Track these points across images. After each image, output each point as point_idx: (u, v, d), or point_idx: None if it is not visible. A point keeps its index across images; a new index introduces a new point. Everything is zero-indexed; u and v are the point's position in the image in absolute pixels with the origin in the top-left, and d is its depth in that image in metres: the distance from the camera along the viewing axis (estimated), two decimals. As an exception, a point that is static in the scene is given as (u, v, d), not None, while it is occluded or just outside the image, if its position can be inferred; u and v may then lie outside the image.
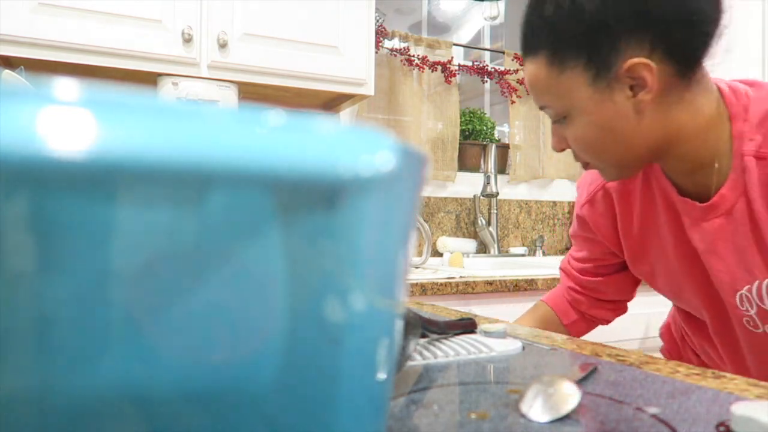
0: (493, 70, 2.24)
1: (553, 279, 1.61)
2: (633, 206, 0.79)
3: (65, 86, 0.14)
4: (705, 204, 0.68)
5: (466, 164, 2.20)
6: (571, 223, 2.43)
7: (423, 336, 0.54)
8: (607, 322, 0.99)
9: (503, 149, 2.24)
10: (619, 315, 0.99)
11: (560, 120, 0.68)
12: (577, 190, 0.89)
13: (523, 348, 0.54)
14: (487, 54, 2.35)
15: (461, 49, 2.33)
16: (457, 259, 1.86)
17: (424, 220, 2.03)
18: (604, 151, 0.66)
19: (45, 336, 0.15)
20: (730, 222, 0.68)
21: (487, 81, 2.27)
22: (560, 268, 1.03)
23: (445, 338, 0.55)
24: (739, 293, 0.70)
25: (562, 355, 0.52)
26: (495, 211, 2.16)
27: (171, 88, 1.51)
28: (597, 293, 0.95)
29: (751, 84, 0.67)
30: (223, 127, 0.16)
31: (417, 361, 0.48)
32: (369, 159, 0.17)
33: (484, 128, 2.22)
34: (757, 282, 0.68)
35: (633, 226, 0.81)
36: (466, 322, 0.57)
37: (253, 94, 1.73)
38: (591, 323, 0.99)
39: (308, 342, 0.19)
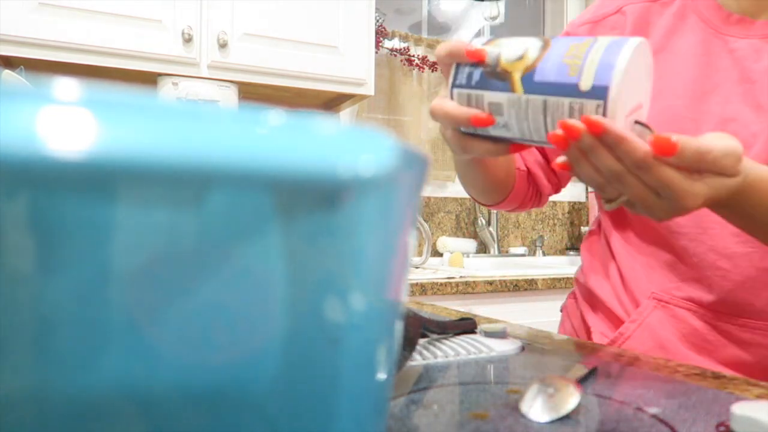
0: (493, 70, 2.24)
1: (553, 279, 1.61)
2: (648, 36, 0.70)
3: (65, 86, 0.14)
4: None
5: (466, 164, 2.19)
6: (571, 222, 2.42)
7: (423, 336, 0.54)
8: (540, 198, 0.81)
9: (503, 149, 2.24)
10: (549, 195, 0.82)
11: None
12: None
13: (523, 348, 0.54)
14: (487, 54, 2.35)
15: (461, 49, 2.33)
16: (457, 259, 1.86)
17: (424, 220, 2.03)
18: None
19: (45, 336, 0.15)
20: None
21: (487, 81, 2.27)
22: None
23: (445, 338, 0.55)
24: None
25: (562, 355, 0.52)
26: (495, 211, 2.16)
27: (171, 88, 1.51)
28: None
29: None
30: (223, 127, 0.16)
31: (417, 361, 0.48)
32: (369, 159, 0.17)
33: (484, 128, 2.21)
34: None
35: None
36: (466, 322, 0.57)
37: (253, 94, 1.73)
38: (530, 185, 0.80)
39: (308, 342, 0.19)
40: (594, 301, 0.76)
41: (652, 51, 0.66)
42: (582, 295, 0.81)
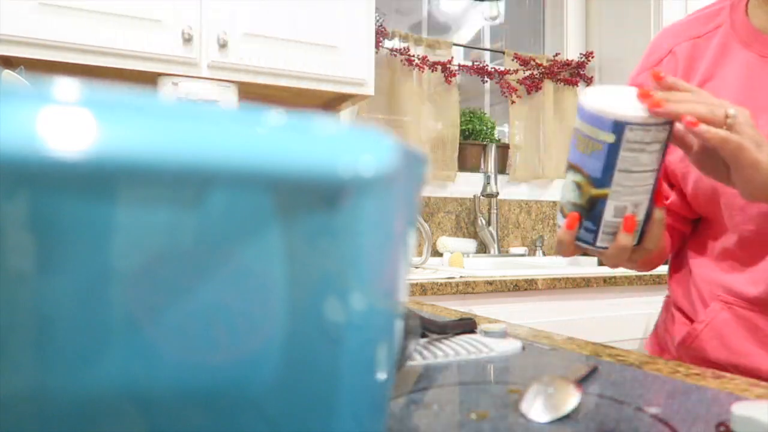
0: (493, 70, 2.24)
1: (553, 279, 1.61)
2: (696, 71, 0.75)
3: (65, 86, 0.14)
4: None
5: (466, 164, 2.20)
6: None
7: (423, 336, 0.54)
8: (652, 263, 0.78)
9: (503, 149, 2.24)
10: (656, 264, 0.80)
11: None
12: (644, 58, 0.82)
13: (523, 348, 0.54)
14: (487, 54, 2.35)
15: (461, 49, 2.33)
16: (457, 259, 1.86)
17: (424, 220, 2.03)
18: None
19: (45, 336, 0.15)
20: None
21: (487, 81, 2.27)
22: None
23: (445, 338, 0.55)
24: None
25: (562, 355, 0.52)
26: (495, 211, 2.16)
27: (171, 88, 1.51)
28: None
29: None
30: (223, 127, 0.16)
31: (417, 361, 0.48)
32: (369, 159, 0.17)
33: (484, 128, 2.22)
34: None
35: None
36: (466, 322, 0.57)
37: (253, 94, 1.73)
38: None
39: (308, 342, 0.19)
40: (670, 301, 0.84)
41: (701, 82, 0.75)
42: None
